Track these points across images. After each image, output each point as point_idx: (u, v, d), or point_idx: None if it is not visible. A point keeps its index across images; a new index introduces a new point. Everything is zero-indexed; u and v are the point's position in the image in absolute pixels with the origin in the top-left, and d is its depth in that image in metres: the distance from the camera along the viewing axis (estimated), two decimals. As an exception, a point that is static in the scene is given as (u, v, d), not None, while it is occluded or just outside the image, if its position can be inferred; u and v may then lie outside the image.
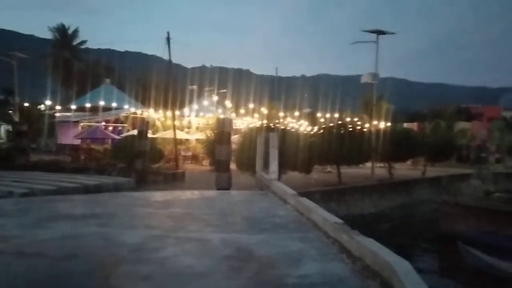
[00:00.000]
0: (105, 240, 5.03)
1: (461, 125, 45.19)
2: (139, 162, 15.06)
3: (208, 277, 3.74)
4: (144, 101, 31.86)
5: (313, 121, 32.98)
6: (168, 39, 20.30)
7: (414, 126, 41.11)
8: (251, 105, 31.52)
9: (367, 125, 24.14)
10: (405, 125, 39.92)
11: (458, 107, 59.60)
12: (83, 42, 53.95)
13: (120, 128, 30.27)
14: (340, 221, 5.16)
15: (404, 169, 25.76)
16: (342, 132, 18.23)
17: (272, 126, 16.13)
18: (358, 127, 20.56)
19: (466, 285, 10.42)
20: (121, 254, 4.40)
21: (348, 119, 24.18)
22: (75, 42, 53.13)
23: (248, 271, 3.90)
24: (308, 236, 5.31)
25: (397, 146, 20.64)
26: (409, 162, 27.26)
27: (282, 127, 17.23)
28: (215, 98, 32.30)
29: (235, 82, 44.01)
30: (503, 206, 15.31)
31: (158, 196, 9.47)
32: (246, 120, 29.34)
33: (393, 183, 20.71)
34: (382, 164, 24.01)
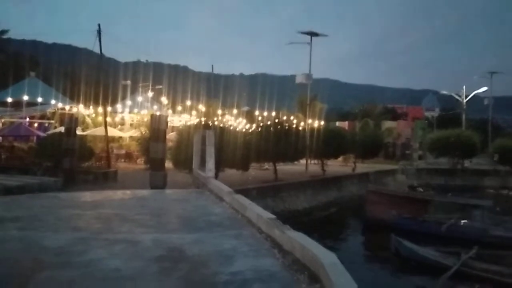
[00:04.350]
0: (25, 244, 4.69)
1: (388, 124, 48.14)
2: (66, 161, 14.16)
3: (136, 280, 3.62)
4: (73, 97, 29.96)
5: (251, 119, 33.25)
6: (99, 31, 19.30)
7: (345, 125, 43.10)
8: (188, 102, 31.04)
9: (302, 124, 24.82)
10: (337, 124, 41.74)
11: (385, 107, 63.40)
12: (5, 31, 49.59)
13: (46, 124, 28.25)
14: (273, 216, 5.27)
15: (336, 166, 26.92)
16: (278, 130, 18.57)
17: (210, 124, 16.02)
18: (294, 126, 21.06)
19: (392, 270, 11.15)
20: (42, 258, 4.13)
21: (284, 118, 24.68)
22: (-6, 31, 48.71)
23: (179, 271, 3.84)
24: (242, 233, 5.35)
25: (329, 144, 21.49)
26: (340, 159, 28.54)
27: (220, 125, 17.16)
28: (150, 94, 31.29)
29: (171, 78, 43.07)
30: (419, 195, 16.86)
31: (87, 196, 9.01)
32: (184, 118, 28.84)
33: (325, 179, 21.52)
34: (316, 161, 24.88)
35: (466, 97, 41.41)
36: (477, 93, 42.20)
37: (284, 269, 3.85)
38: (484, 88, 41.95)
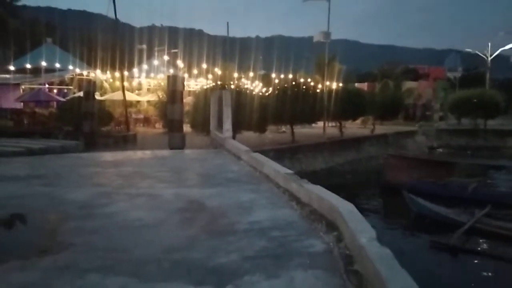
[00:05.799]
0: (50, 199, 4.86)
1: (408, 84, 46.81)
2: (86, 125, 14.41)
3: (159, 228, 3.73)
4: (90, 62, 30.10)
5: (267, 83, 32.88)
6: (113, -6, 19.00)
7: (364, 86, 42.17)
8: (204, 66, 30.76)
9: (319, 86, 24.41)
10: (356, 85, 40.87)
11: (406, 67, 61.51)
12: (19, -3, 49.42)
13: (65, 90, 28.61)
14: (291, 171, 5.29)
15: (354, 128, 26.66)
16: (295, 92, 18.33)
17: (226, 87, 15.92)
18: (311, 88, 20.72)
19: (407, 227, 11.18)
20: (68, 211, 4.28)
21: (301, 80, 24.26)
22: (9, -2, 48.56)
23: (200, 221, 3.94)
24: (260, 188, 5.41)
25: (348, 105, 21.16)
26: (359, 121, 28.17)
27: (237, 88, 17.04)
28: (166, 58, 31.07)
29: (186, 42, 42.55)
30: (439, 158, 16.44)
31: (107, 156, 9.21)
32: (200, 82, 28.71)
33: (343, 140, 21.37)
34: (333, 123, 24.63)
35: (491, 55, 39.77)
36: (503, 50, 40.43)
37: (302, 219, 3.90)
38: (511, 45, 40.12)
